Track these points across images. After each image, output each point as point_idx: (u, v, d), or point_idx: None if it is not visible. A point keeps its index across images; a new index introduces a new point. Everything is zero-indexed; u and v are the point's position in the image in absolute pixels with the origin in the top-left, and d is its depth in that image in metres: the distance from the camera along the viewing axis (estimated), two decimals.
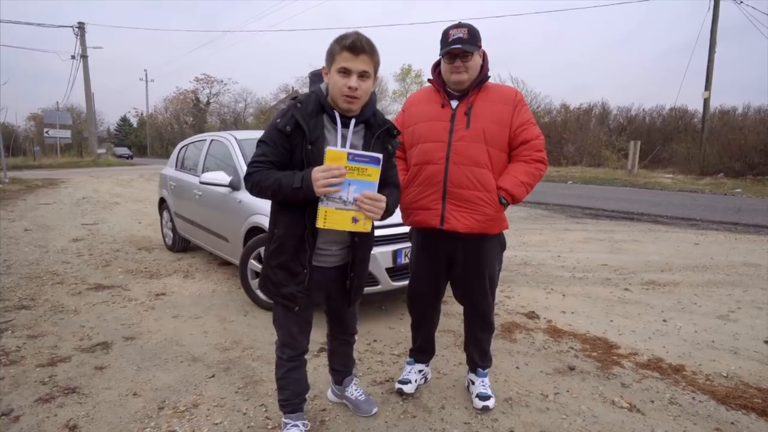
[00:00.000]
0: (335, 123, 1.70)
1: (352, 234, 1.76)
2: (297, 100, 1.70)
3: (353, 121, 1.71)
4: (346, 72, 1.61)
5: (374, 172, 1.63)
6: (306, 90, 1.87)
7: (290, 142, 1.65)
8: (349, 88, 1.61)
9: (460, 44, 1.94)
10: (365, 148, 1.72)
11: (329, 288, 1.89)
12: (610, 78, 59.21)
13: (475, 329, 2.28)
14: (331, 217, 1.63)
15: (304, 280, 1.75)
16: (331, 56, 1.64)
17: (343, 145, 1.70)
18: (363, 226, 1.68)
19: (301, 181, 1.57)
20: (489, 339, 2.32)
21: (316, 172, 1.57)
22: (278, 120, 1.66)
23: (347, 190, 1.61)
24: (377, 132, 1.75)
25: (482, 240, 2.09)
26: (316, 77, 1.85)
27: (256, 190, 1.67)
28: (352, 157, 1.58)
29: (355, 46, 1.58)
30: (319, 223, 1.63)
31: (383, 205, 1.67)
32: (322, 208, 1.62)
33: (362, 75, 1.62)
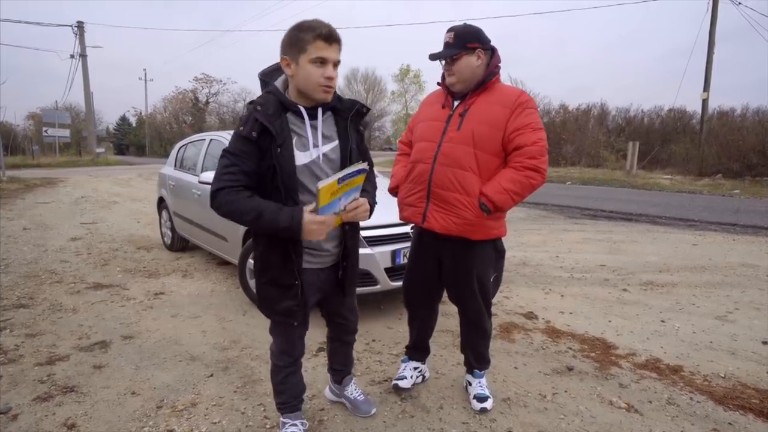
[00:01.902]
0: (302, 118, 1.61)
1: (342, 225, 1.74)
2: (255, 104, 1.58)
3: (320, 110, 1.65)
4: (323, 62, 1.53)
5: (360, 179, 1.61)
6: None
7: (258, 148, 1.53)
8: (329, 78, 1.54)
9: (443, 50, 1.99)
10: (339, 133, 1.70)
11: (325, 288, 1.83)
12: (610, 80, 59.46)
13: (470, 334, 2.27)
14: None
15: (297, 293, 1.67)
16: (299, 46, 1.52)
17: (315, 137, 1.64)
18: (344, 215, 1.65)
19: (290, 222, 1.48)
20: (485, 345, 2.29)
21: (311, 223, 1.48)
22: (242, 128, 1.54)
23: (338, 204, 1.57)
24: (348, 116, 1.71)
25: (471, 244, 2.05)
26: (268, 76, 1.73)
27: (224, 210, 1.52)
28: (341, 180, 1.51)
29: (331, 35, 1.52)
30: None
31: (367, 207, 1.67)
32: None
33: (337, 64, 1.58)
